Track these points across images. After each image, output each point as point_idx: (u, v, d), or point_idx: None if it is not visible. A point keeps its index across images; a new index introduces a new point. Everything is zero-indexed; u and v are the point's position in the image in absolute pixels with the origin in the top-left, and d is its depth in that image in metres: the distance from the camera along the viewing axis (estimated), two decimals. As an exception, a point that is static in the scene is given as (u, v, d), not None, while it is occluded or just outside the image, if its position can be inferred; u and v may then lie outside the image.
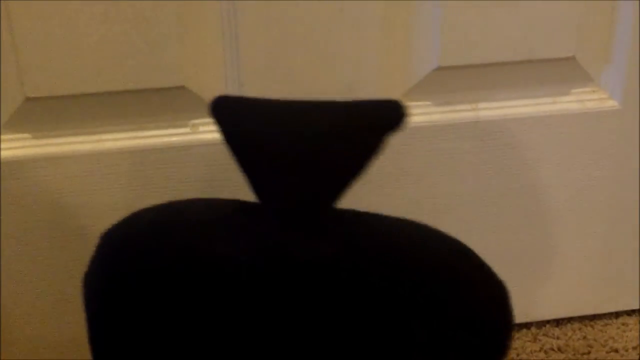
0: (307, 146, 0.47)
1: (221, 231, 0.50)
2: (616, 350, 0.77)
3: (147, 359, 0.48)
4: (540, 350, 0.76)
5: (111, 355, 0.50)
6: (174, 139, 0.66)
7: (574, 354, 0.76)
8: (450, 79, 0.68)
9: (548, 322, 0.80)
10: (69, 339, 0.71)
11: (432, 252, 0.49)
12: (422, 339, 0.46)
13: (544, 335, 0.78)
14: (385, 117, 0.48)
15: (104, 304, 0.50)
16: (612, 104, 0.71)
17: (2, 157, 0.64)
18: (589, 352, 0.76)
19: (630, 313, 0.81)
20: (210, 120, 0.66)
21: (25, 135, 0.65)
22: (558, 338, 0.78)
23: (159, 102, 0.65)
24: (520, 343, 0.77)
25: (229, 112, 0.51)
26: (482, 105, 0.70)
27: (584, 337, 0.78)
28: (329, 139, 0.47)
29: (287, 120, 0.49)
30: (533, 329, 0.79)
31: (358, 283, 0.46)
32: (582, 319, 0.80)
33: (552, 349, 0.77)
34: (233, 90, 0.65)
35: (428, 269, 0.48)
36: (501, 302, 0.49)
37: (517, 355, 0.76)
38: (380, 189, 0.70)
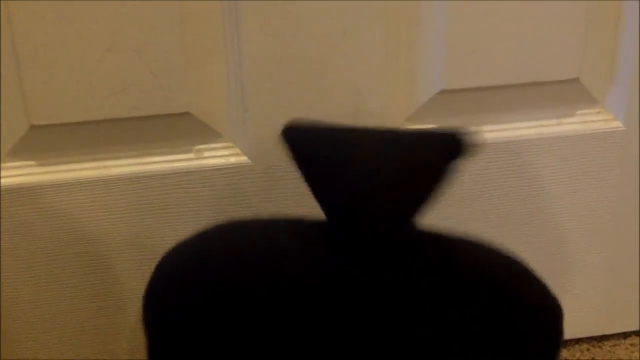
0: (378, 173, 0.49)
1: (291, 258, 0.50)
2: (625, 372, 0.76)
3: None
4: (548, 373, 0.76)
5: None
6: (179, 164, 0.66)
7: (583, 376, 0.76)
8: (454, 102, 0.68)
9: (556, 343, 0.79)
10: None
11: (499, 275, 0.54)
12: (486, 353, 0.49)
13: (551, 357, 0.78)
14: (447, 147, 0.51)
15: (172, 331, 0.50)
16: (616, 124, 0.71)
17: (7, 184, 0.64)
18: (597, 374, 0.76)
19: (638, 333, 0.80)
20: (214, 145, 0.67)
21: (30, 162, 0.65)
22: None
23: (164, 128, 0.65)
24: (528, 365, 0.76)
25: (302, 139, 0.52)
26: (486, 127, 0.69)
27: (592, 359, 0.78)
28: (398, 167, 0.49)
29: (358, 146, 0.50)
30: (541, 351, 0.78)
31: (427, 304, 0.48)
32: (590, 339, 0.80)
33: (560, 371, 0.76)
34: (237, 116, 0.65)
35: (498, 293, 0.53)
36: (554, 319, 0.54)
37: (525, 377, 0.75)
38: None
